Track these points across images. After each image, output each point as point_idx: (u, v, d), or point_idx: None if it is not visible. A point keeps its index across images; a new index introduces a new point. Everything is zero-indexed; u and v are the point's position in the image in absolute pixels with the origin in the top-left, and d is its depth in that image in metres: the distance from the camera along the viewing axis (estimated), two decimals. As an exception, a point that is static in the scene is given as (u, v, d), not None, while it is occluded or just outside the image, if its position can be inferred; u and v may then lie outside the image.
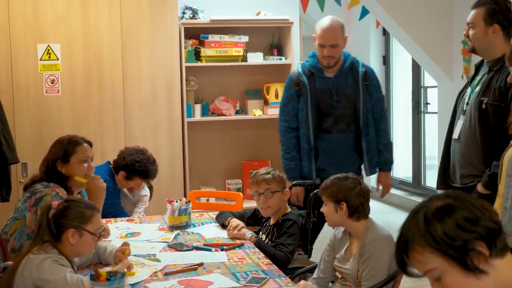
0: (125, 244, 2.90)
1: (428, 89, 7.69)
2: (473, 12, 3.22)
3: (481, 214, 1.43)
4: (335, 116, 3.93)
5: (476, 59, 5.52)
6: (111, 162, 4.29)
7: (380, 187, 4.15)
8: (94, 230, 2.64)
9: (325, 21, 3.91)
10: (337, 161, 3.94)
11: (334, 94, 3.91)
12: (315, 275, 3.06)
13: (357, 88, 3.92)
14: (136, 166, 4.17)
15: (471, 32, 3.20)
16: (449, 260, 1.41)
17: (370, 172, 4.05)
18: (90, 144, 3.36)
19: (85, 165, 3.28)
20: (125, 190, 4.39)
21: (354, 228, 2.92)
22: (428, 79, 7.54)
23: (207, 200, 5.07)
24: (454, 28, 5.82)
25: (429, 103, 7.71)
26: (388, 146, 4.07)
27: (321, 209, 3.00)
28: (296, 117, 4.00)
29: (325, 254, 3.05)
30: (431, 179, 7.73)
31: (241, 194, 4.59)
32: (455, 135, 3.25)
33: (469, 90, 3.25)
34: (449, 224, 1.41)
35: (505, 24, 3.15)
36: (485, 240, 1.41)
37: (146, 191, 4.45)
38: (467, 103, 3.21)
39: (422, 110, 7.84)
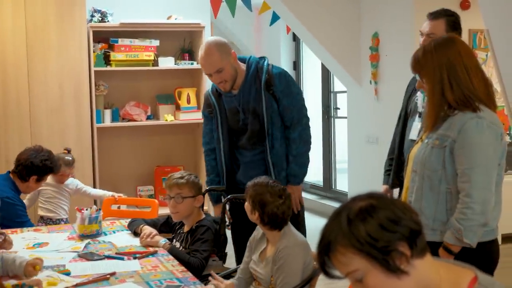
0: (38, 259, 2.75)
1: (338, 94, 7.85)
2: (432, 23, 3.34)
3: (403, 215, 1.44)
4: (247, 134, 3.64)
5: (383, 64, 5.68)
6: (11, 172, 4.09)
7: None
8: None
9: (201, 49, 3.56)
10: (255, 176, 3.45)
11: (241, 112, 3.62)
12: (238, 274, 3.07)
13: (260, 99, 3.55)
14: (47, 164, 4.07)
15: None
16: (372, 260, 1.41)
17: None
18: None
19: None
20: (51, 190, 4.52)
21: (268, 233, 2.92)
22: (337, 84, 7.69)
23: (118, 207, 4.95)
24: (362, 35, 5.96)
25: (338, 108, 7.87)
26: (298, 157, 3.58)
27: (245, 204, 2.97)
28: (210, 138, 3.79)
29: (245, 254, 3.06)
30: (341, 183, 7.89)
31: (156, 201, 4.50)
32: (413, 136, 3.32)
33: (420, 94, 3.32)
34: (372, 224, 1.42)
35: (460, 34, 3.33)
36: (407, 240, 1.42)
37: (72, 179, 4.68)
38: (423, 106, 3.28)
39: (332, 114, 7.98)
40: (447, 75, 2.57)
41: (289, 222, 2.95)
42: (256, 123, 3.57)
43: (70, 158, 4.63)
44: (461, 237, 2.48)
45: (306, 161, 3.64)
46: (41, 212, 4.56)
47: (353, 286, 1.47)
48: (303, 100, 3.64)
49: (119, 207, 4.79)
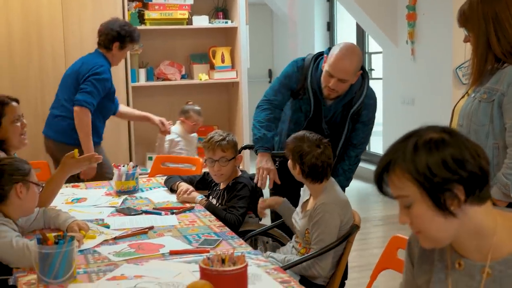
0: (86, 224, 2.71)
1: (373, 55, 7.74)
2: None
3: (471, 158, 1.40)
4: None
5: (421, 23, 5.56)
6: (98, 45, 4.39)
7: None
8: (36, 181, 2.61)
9: (343, 48, 3.23)
10: None
11: (323, 122, 3.46)
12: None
13: (343, 126, 3.46)
14: (126, 28, 4.32)
15: None
16: (423, 193, 1.41)
17: None
18: (17, 101, 3.23)
19: (18, 124, 3.16)
20: (182, 142, 5.11)
21: (311, 187, 2.91)
22: (372, 45, 7.58)
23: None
24: (399, -7, 5.85)
25: (373, 69, 7.77)
26: (347, 172, 3.55)
27: (288, 162, 2.98)
28: (282, 102, 3.52)
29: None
30: (376, 145, 7.83)
31: (201, 159, 4.41)
32: None
33: None
34: (435, 158, 1.39)
35: None
36: (465, 184, 1.39)
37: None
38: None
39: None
40: (493, 28, 2.50)
41: (332, 178, 2.94)
42: (333, 136, 3.42)
43: (199, 108, 5.13)
44: (509, 192, 2.44)
45: (352, 175, 3.63)
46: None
47: (399, 210, 1.48)
48: (372, 128, 3.60)
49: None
